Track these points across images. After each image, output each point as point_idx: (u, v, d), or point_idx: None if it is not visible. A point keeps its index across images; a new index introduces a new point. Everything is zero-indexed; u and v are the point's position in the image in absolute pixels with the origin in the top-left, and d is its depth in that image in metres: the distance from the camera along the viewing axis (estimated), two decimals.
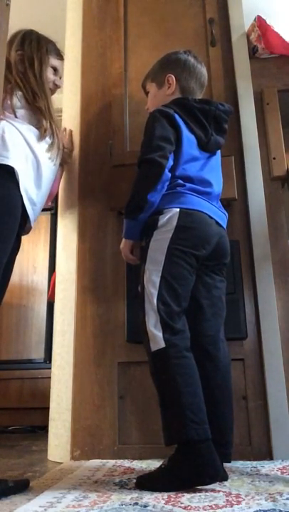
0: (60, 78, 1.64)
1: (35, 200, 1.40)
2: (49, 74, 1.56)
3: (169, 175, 1.26)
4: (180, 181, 1.28)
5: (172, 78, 1.41)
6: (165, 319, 1.16)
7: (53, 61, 1.58)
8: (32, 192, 1.39)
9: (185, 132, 1.31)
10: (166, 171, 1.25)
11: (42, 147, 1.45)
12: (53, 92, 1.61)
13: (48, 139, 1.47)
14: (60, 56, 1.62)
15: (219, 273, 1.34)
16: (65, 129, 1.91)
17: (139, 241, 1.33)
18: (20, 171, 1.34)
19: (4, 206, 1.29)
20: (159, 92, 1.45)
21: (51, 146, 1.48)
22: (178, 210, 1.24)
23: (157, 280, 1.19)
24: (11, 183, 1.32)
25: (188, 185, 1.28)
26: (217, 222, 1.31)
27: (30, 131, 1.44)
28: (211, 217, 1.29)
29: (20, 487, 1.12)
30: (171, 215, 1.24)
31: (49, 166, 1.48)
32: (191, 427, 1.06)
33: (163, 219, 1.24)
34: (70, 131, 1.92)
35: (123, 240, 1.34)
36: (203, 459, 1.05)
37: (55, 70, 1.59)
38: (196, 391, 1.12)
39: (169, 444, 1.11)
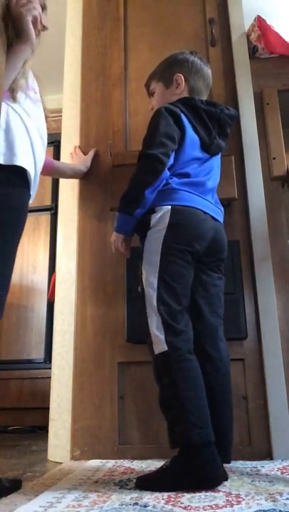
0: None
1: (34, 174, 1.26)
2: None
3: (168, 173, 1.26)
4: (175, 178, 1.27)
5: (181, 77, 1.40)
6: (166, 320, 1.15)
7: None
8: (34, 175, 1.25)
9: (189, 133, 1.31)
10: (166, 169, 1.24)
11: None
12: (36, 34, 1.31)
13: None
14: None
15: (217, 270, 1.33)
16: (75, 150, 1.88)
17: (130, 236, 1.31)
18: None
19: (17, 213, 1.17)
20: (166, 91, 1.43)
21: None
22: (169, 207, 1.23)
23: (155, 281, 1.19)
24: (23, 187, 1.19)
25: (183, 180, 1.27)
26: (212, 217, 1.30)
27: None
28: (205, 213, 1.28)
29: (14, 488, 1.12)
30: (163, 213, 1.23)
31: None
32: (193, 430, 1.06)
33: (155, 217, 1.24)
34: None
35: (114, 233, 1.31)
36: (204, 463, 1.05)
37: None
38: (199, 394, 1.11)
39: (174, 447, 1.11)
